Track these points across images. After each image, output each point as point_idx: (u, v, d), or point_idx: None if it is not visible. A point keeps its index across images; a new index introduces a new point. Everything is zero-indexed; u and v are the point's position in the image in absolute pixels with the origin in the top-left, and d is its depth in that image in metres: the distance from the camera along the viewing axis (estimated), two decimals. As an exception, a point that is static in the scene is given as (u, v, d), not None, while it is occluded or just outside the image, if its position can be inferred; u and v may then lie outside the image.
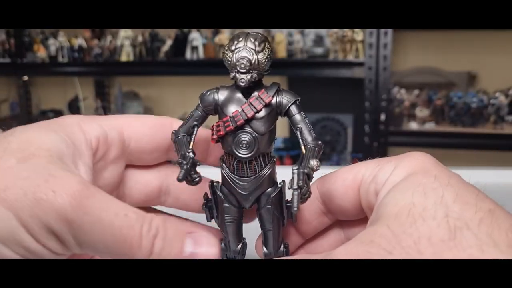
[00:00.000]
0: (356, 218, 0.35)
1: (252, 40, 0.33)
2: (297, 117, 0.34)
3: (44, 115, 2.97)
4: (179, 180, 0.30)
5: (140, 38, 2.59)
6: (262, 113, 0.33)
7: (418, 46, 2.44)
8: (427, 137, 2.26)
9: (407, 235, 0.26)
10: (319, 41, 2.45)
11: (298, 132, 0.34)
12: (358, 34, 2.24)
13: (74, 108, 2.97)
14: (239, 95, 0.34)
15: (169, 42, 2.57)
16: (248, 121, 0.33)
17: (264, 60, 0.33)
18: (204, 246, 0.33)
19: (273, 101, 0.34)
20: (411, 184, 0.29)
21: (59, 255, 0.28)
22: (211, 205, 0.36)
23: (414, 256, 0.25)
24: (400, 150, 2.16)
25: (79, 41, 2.67)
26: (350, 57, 2.28)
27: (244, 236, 0.38)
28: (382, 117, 2.25)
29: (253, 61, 0.32)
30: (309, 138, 0.34)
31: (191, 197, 0.39)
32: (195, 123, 0.35)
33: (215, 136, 0.34)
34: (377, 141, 2.27)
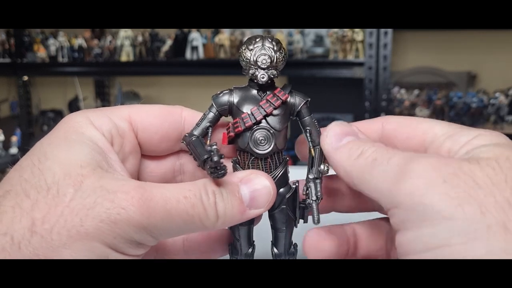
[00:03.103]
0: None
1: (270, 40, 0.34)
2: (308, 119, 0.36)
3: (44, 115, 2.97)
4: (215, 162, 0.29)
5: (140, 38, 2.59)
6: (278, 111, 0.35)
7: (418, 46, 2.44)
8: (427, 137, 2.25)
9: (504, 173, 0.24)
10: (319, 41, 2.45)
11: (308, 134, 0.36)
12: (358, 34, 2.24)
13: (74, 108, 2.97)
14: (254, 94, 0.35)
15: (169, 42, 2.57)
16: (266, 116, 0.34)
17: (281, 59, 0.34)
18: (257, 183, 0.32)
19: (288, 100, 0.35)
20: (507, 147, 0.27)
21: (139, 256, 0.29)
22: None
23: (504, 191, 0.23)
24: (400, 150, 2.14)
25: (79, 41, 2.67)
26: (350, 57, 2.28)
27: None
28: (382, 117, 2.25)
29: (272, 58, 0.34)
30: (317, 140, 0.35)
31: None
32: (208, 124, 0.35)
33: (231, 134, 0.35)
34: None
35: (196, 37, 2.51)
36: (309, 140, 0.36)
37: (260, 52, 0.34)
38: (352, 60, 2.27)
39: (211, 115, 0.36)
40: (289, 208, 0.36)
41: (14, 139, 2.58)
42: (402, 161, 0.26)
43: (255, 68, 0.34)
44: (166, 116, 0.36)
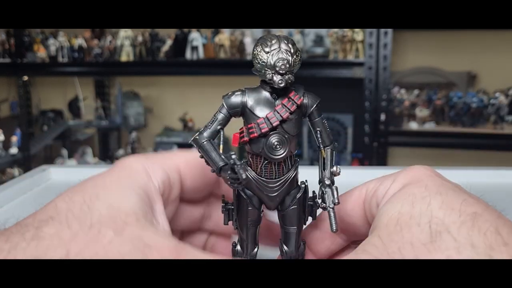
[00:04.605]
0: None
1: (286, 42, 0.33)
2: (318, 120, 0.36)
3: (44, 115, 2.97)
4: (242, 179, 0.29)
5: (140, 38, 2.59)
6: (292, 115, 0.34)
7: (418, 46, 2.44)
8: (427, 137, 2.26)
9: (394, 242, 0.28)
10: (319, 41, 2.45)
11: (319, 135, 0.36)
12: (358, 34, 2.24)
13: (74, 108, 2.97)
14: (267, 97, 0.34)
15: (169, 42, 2.57)
16: (282, 122, 0.34)
17: (297, 63, 0.33)
18: None
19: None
20: (402, 195, 0.31)
21: None
22: (230, 208, 0.37)
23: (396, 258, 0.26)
24: (400, 150, 2.16)
25: (79, 41, 2.67)
26: (350, 57, 2.28)
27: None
28: (382, 117, 2.25)
29: (290, 63, 0.32)
30: (327, 141, 0.36)
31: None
32: (219, 126, 0.34)
33: (246, 138, 0.34)
34: (377, 141, 2.27)
35: (196, 37, 2.51)
36: (319, 141, 0.36)
37: (278, 56, 0.32)
38: (352, 60, 2.27)
39: (221, 116, 0.34)
40: (300, 208, 0.36)
41: (14, 139, 2.58)
42: None
43: (272, 73, 0.32)
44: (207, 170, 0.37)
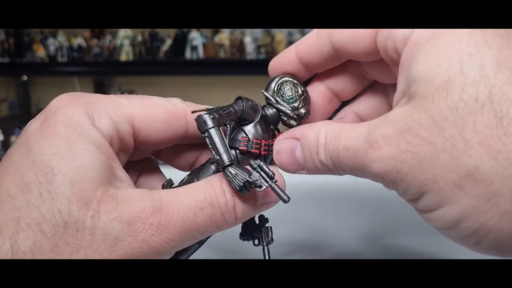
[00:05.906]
0: (371, 59, 0.33)
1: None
2: None
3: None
4: (253, 189, 0.28)
5: (140, 38, 2.59)
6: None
7: (417, 46, 2.44)
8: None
9: (450, 123, 0.23)
10: (318, 40, 2.45)
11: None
12: (358, 33, 2.24)
13: (73, 107, 2.96)
14: (269, 122, 0.34)
15: (168, 42, 2.57)
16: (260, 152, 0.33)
17: None
18: (272, 197, 0.31)
19: None
20: (442, 51, 0.25)
21: None
22: None
23: (459, 146, 0.23)
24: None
25: (78, 41, 2.67)
26: (350, 57, 2.27)
27: None
28: (382, 116, 2.25)
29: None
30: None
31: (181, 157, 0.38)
32: (228, 122, 0.32)
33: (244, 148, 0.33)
34: (377, 141, 2.27)
35: (196, 37, 2.51)
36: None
37: (307, 107, 0.35)
38: (351, 59, 2.27)
39: (234, 115, 0.32)
40: None
41: (14, 139, 2.58)
42: (361, 143, 0.27)
43: (293, 116, 0.34)
44: (172, 123, 0.33)
